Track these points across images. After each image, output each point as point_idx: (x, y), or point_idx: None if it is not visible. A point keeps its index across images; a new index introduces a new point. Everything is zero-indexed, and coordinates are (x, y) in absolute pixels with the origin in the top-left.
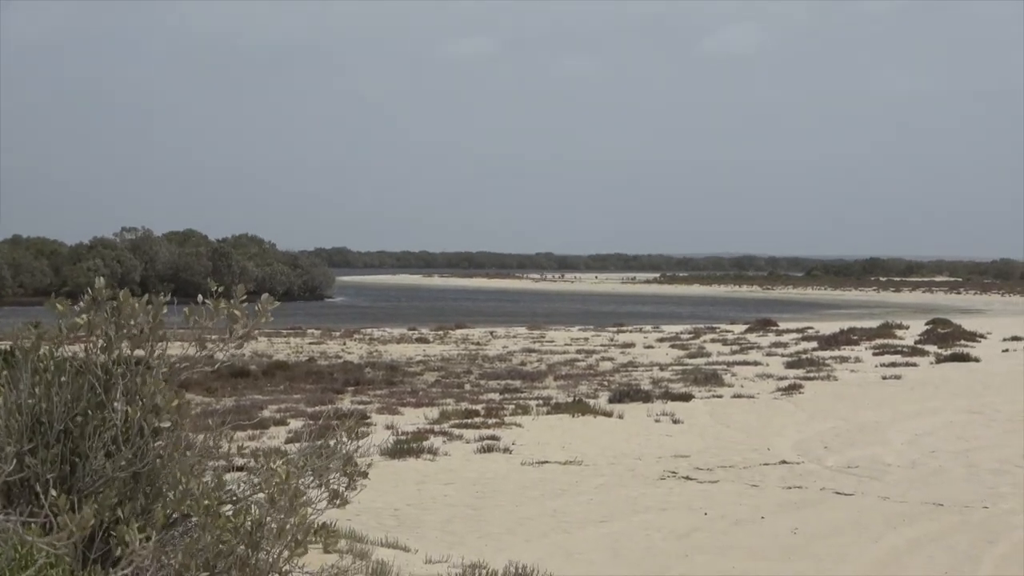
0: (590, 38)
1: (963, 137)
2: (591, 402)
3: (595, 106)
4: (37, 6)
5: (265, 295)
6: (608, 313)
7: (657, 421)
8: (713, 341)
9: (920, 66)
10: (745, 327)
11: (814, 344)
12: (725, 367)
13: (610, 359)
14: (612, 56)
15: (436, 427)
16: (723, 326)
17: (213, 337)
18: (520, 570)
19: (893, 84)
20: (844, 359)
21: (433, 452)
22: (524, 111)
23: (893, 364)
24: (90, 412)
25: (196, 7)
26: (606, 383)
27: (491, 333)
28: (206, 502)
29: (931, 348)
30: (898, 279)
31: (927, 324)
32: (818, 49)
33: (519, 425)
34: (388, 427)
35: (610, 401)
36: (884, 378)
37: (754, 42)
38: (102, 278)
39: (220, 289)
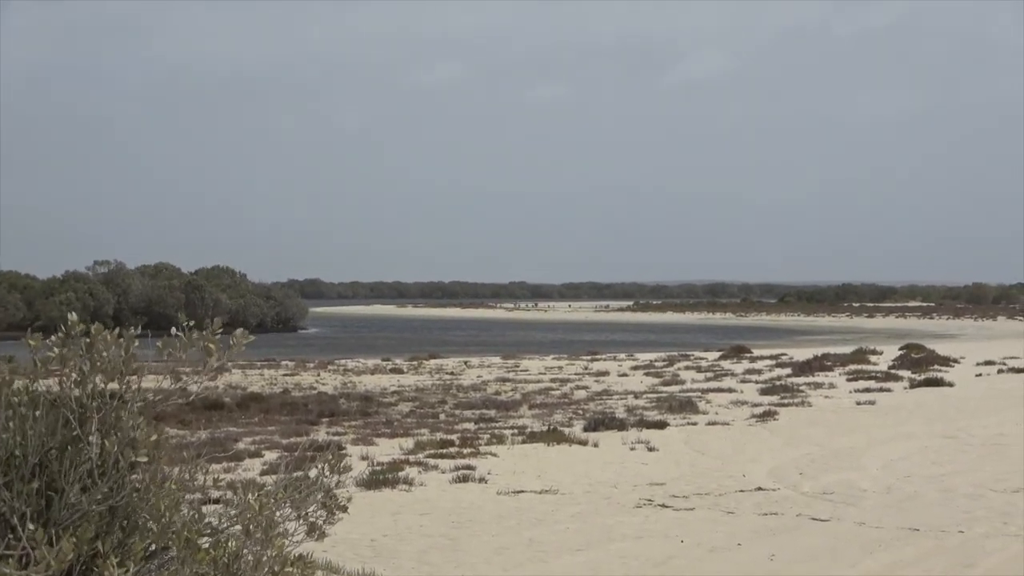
0: (561, 65)
1: (935, 163)
2: (566, 431)
3: (567, 133)
4: (7, 38)
5: (240, 330)
6: (582, 341)
7: (632, 449)
8: (687, 368)
9: (890, 91)
10: (719, 354)
11: (788, 370)
12: (699, 394)
13: (584, 387)
14: (583, 83)
15: (411, 457)
16: (697, 353)
17: (187, 370)
18: None
19: (863, 110)
20: (818, 385)
21: (409, 482)
22: (496, 139)
23: (867, 390)
24: (65, 446)
25: (168, 39)
26: (581, 411)
27: (465, 363)
28: (186, 534)
29: (905, 373)
30: (871, 305)
31: (901, 349)
32: (787, 77)
33: (494, 454)
34: (363, 458)
35: (585, 429)
36: (858, 404)
37: (724, 69)
38: (74, 313)
39: (192, 323)
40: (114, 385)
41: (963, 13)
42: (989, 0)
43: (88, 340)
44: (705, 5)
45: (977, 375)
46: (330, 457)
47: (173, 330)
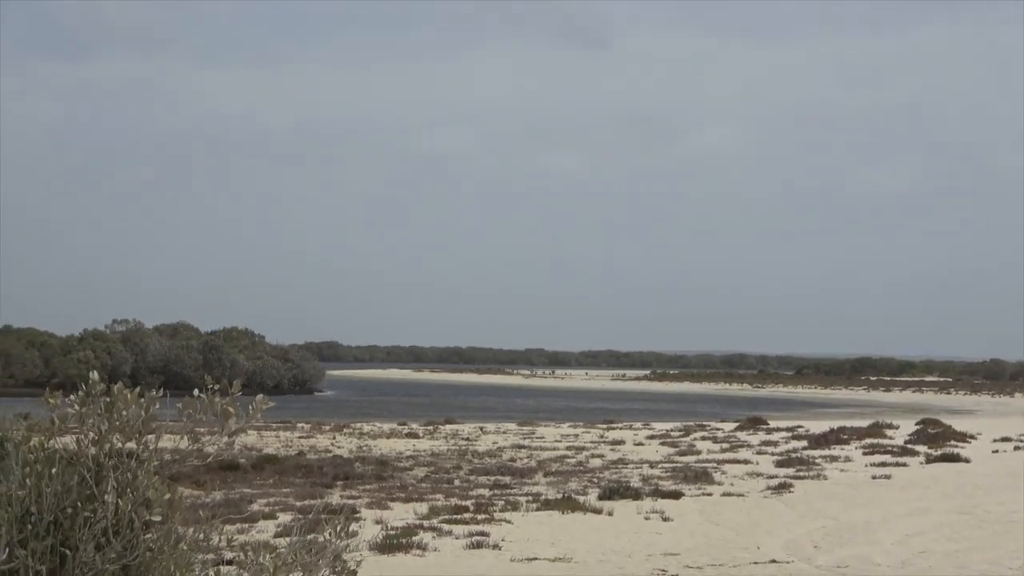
0: (575, 135)
1: (954, 237)
2: (581, 499)
3: (583, 201)
4: (35, 97)
5: (260, 396)
6: (598, 410)
7: (647, 518)
8: (703, 439)
9: (904, 164)
10: (735, 425)
11: (804, 443)
12: (715, 465)
13: (600, 456)
14: (597, 153)
15: (425, 522)
16: (713, 424)
17: (203, 430)
18: None
19: (880, 182)
20: (834, 458)
21: (422, 547)
22: (513, 206)
23: (883, 464)
24: (80, 504)
25: (186, 103)
26: (596, 480)
27: (481, 428)
28: None
29: (921, 448)
30: (888, 378)
31: (917, 424)
32: (801, 147)
33: (509, 521)
34: (377, 522)
35: (600, 498)
36: (874, 477)
37: (736, 141)
38: (95, 372)
39: (216, 387)
40: (131, 444)
41: (970, 93)
42: (991, 89)
43: (108, 399)
44: (716, 79)
45: (994, 451)
46: (337, 523)
47: (196, 392)
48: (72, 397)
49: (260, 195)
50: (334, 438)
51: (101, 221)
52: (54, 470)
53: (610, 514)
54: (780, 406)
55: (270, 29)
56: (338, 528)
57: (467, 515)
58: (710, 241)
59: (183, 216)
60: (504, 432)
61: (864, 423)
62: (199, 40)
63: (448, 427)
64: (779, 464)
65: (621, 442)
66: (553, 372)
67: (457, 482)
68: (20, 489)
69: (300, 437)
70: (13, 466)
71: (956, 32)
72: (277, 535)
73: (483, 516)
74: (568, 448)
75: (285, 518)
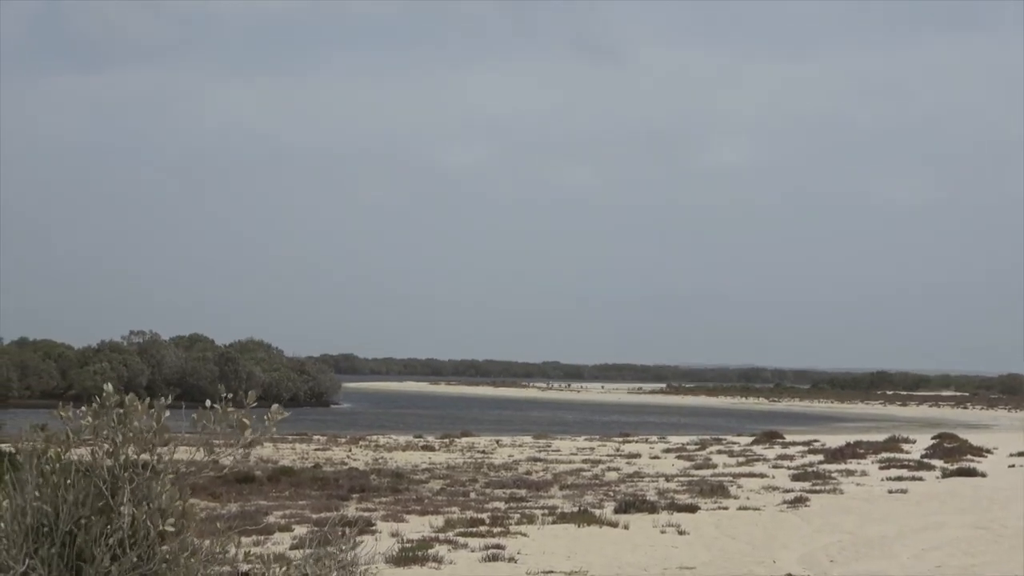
0: (589, 150)
1: (971, 250)
2: (597, 512)
3: (599, 215)
4: (48, 109)
5: (275, 406)
6: (614, 423)
7: (663, 532)
8: (719, 452)
9: (920, 177)
10: (751, 439)
11: (820, 457)
12: (731, 479)
13: (616, 469)
14: (611, 166)
15: (441, 535)
16: (729, 438)
17: (219, 442)
18: None
19: (896, 195)
20: (850, 472)
21: (438, 560)
22: (528, 219)
23: (899, 478)
24: (95, 516)
25: (196, 110)
26: (612, 493)
27: (497, 441)
28: None
29: (937, 462)
30: (904, 393)
31: (933, 438)
32: (816, 160)
33: (524, 534)
34: (393, 534)
35: (616, 511)
36: (890, 492)
37: (752, 153)
38: (110, 384)
39: (229, 396)
40: (146, 456)
41: (984, 108)
42: (1005, 103)
43: (121, 411)
44: (731, 92)
45: (1010, 466)
46: (347, 536)
47: (208, 402)
48: (84, 409)
49: (276, 207)
50: (350, 450)
51: (118, 232)
52: (70, 481)
53: (626, 527)
54: (796, 420)
55: (282, 39)
56: (349, 540)
57: (483, 528)
58: (725, 255)
59: (199, 228)
60: (520, 445)
61: (880, 437)
62: (214, 52)
63: (464, 440)
64: (795, 478)
65: (637, 455)
66: (569, 385)
67: (473, 495)
68: (36, 500)
69: (316, 449)
70: (29, 477)
71: (970, 48)
72: (293, 547)
73: (499, 529)
74: (584, 461)
75: (301, 530)
